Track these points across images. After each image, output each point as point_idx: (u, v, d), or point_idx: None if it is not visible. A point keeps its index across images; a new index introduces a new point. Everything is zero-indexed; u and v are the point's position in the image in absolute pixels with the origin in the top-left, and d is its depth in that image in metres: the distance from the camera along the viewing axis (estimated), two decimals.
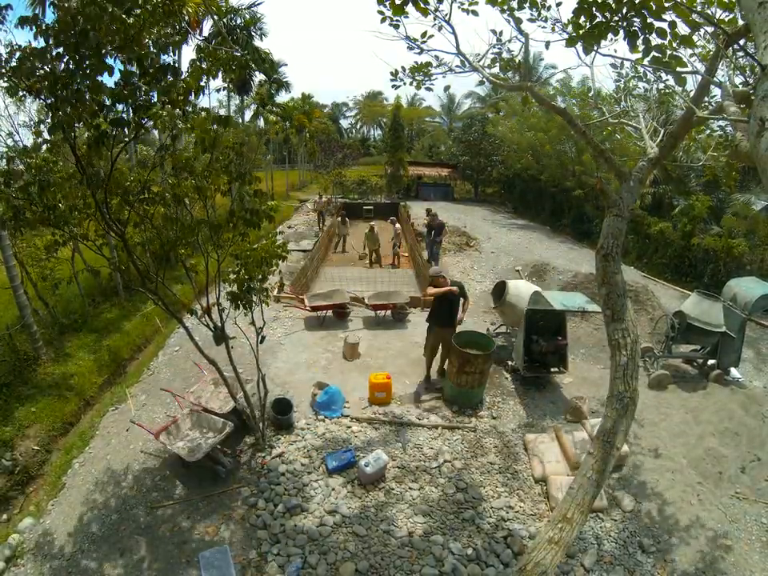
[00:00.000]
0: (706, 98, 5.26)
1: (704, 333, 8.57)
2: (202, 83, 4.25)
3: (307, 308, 10.82)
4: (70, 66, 3.69)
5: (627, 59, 5.03)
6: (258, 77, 29.26)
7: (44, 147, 4.81)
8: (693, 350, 9.44)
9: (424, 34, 4.91)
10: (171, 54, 4.34)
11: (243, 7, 24.16)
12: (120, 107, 4.07)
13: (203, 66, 4.25)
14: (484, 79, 5.32)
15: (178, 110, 4.21)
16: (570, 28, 4.30)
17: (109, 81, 4.01)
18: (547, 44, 4.78)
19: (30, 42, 3.67)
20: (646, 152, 5.07)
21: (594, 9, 3.33)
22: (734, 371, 8.99)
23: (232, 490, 5.91)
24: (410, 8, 4.42)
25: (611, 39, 3.60)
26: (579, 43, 3.81)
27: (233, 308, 5.62)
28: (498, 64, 5.45)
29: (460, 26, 4.81)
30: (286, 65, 40.26)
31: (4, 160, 4.77)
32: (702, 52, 4.82)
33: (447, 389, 7.89)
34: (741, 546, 5.46)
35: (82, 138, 4.45)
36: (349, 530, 5.37)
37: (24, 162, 4.77)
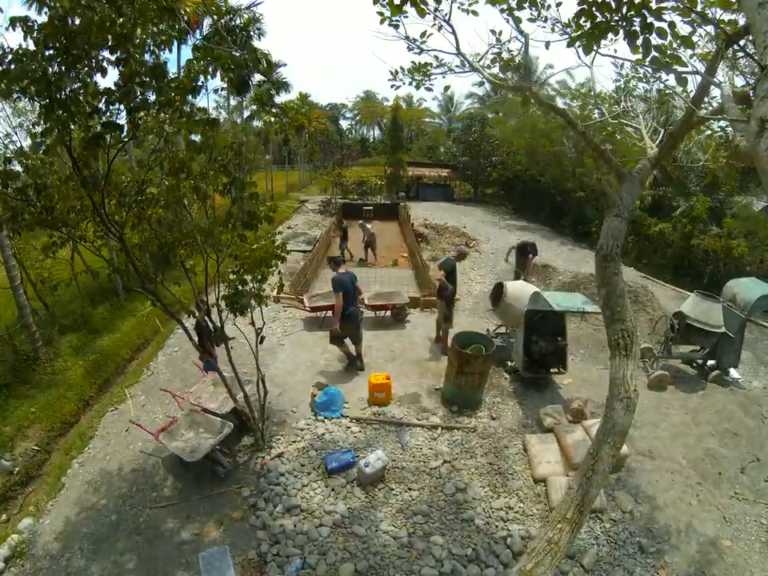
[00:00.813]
0: (706, 99, 5.26)
1: (703, 333, 8.57)
2: (200, 83, 4.23)
3: (307, 308, 10.81)
4: (62, 68, 3.68)
5: (627, 59, 5.03)
6: (257, 77, 29.25)
7: (41, 149, 4.78)
8: (692, 350, 9.43)
9: (423, 34, 4.91)
10: (168, 52, 4.33)
11: (242, 7, 24.16)
12: (114, 108, 4.05)
13: (200, 65, 4.23)
14: (484, 79, 5.32)
15: (172, 110, 4.19)
16: (570, 28, 4.31)
17: (107, 82, 4.01)
18: (547, 44, 4.78)
19: (21, 44, 3.65)
20: (646, 152, 5.07)
21: (593, 9, 3.33)
22: (733, 372, 8.99)
23: (232, 491, 5.91)
24: (409, 8, 4.42)
25: (611, 39, 3.60)
26: (579, 43, 3.81)
27: (229, 311, 5.61)
28: (497, 64, 5.45)
29: (460, 27, 4.80)
30: (285, 65, 40.19)
31: (1, 161, 4.75)
32: (702, 52, 4.82)
33: (447, 389, 7.88)
34: (740, 546, 5.46)
35: (77, 139, 4.43)
36: (348, 531, 5.36)
37: (21, 163, 4.75)
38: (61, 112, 3.78)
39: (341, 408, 7.45)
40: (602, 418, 3.42)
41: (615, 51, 4.41)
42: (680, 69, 3.52)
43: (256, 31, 25.10)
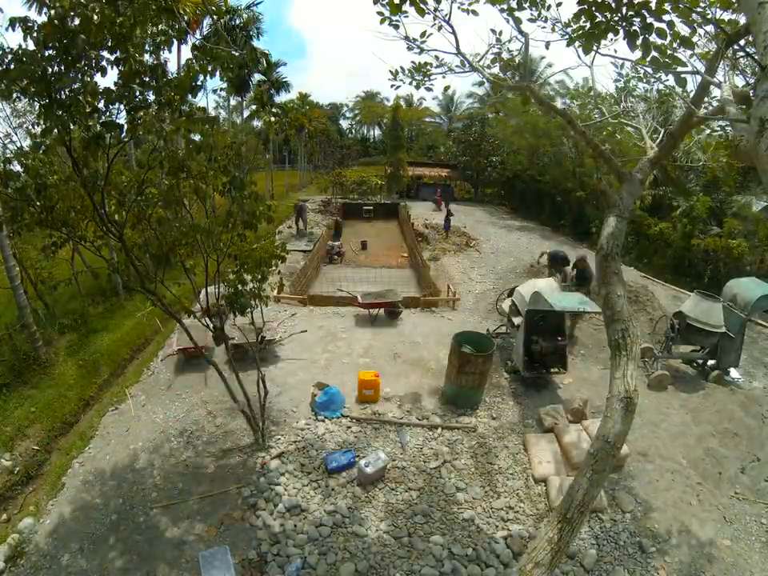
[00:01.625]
0: (706, 98, 5.26)
1: (704, 333, 8.57)
2: (199, 82, 4.23)
3: (360, 305, 11.15)
4: (62, 68, 3.68)
5: (627, 59, 5.03)
6: (257, 77, 29.25)
7: (41, 149, 4.78)
8: (693, 350, 9.43)
9: (423, 34, 4.91)
10: (167, 52, 4.32)
11: (242, 7, 24.17)
12: (113, 108, 4.05)
13: (199, 65, 4.22)
14: (484, 79, 5.32)
15: (172, 110, 4.18)
16: (569, 28, 4.31)
17: (106, 81, 4.01)
18: (547, 44, 4.79)
19: (20, 44, 3.65)
20: (645, 152, 5.07)
21: (593, 9, 3.33)
22: (733, 372, 8.99)
23: (232, 491, 5.91)
24: (409, 9, 4.42)
25: (611, 39, 3.60)
26: (579, 43, 3.81)
27: (229, 311, 5.61)
28: (497, 64, 5.45)
29: (460, 27, 4.80)
30: (285, 64, 40.25)
31: (1, 162, 4.74)
32: (702, 52, 4.82)
33: (447, 389, 7.88)
34: (740, 546, 5.46)
35: (77, 139, 4.43)
36: (349, 531, 5.37)
37: (21, 163, 4.75)
38: (60, 112, 3.78)
39: (341, 408, 7.45)
40: (602, 418, 3.43)
41: (615, 51, 4.41)
42: (680, 69, 3.52)
43: (255, 31, 25.12)
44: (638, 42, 3.30)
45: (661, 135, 5.56)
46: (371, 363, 9.05)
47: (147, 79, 3.92)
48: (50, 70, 3.65)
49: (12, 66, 3.55)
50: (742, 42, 3.75)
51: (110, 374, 9.20)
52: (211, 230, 5.08)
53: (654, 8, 3.07)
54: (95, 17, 3.44)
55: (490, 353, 7.49)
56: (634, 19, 3.29)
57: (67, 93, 3.76)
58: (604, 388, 5.00)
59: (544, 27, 4.76)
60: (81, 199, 5.01)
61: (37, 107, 4.01)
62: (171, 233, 5.14)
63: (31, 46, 3.61)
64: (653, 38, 3.25)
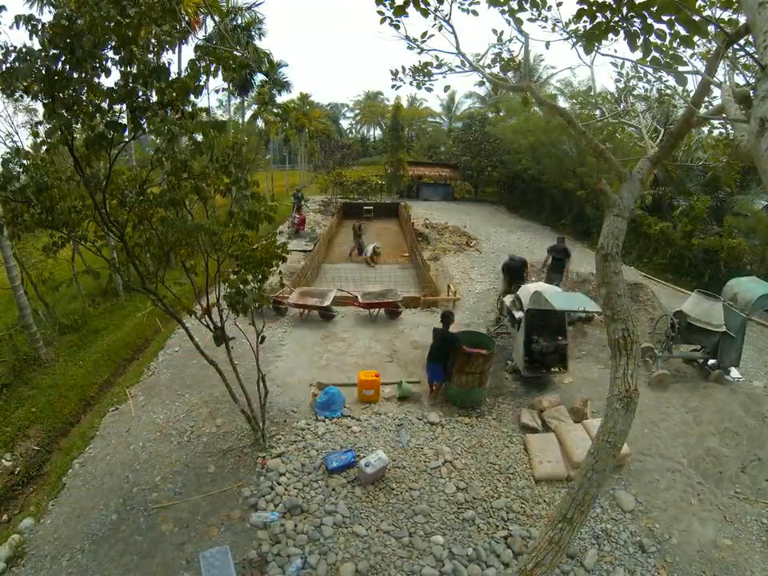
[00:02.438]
0: (706, 98, 5.26)
1: (704, 332, 8.57)
2: (201, 83, 4.23)
3: (360, 305, 11.19)
4: (67, 68, 3.68)
5: (628, 59, 5.03)
6: (259, 77, 29.29)
7: (43, 148, 4.78)
8: (693, 349, 9.42)
9: (424, 34, 4.91)
10: (170, 52, 4.33)
11: (244, 7, 24.19)
12: (117, 108, 4.06)
13: (201, 65, 4.23)
14: (484, 79, 5.32)
15: (173, 110, 4.19)
16: (570, 28, 4.31)
17: (107, 82, 4.01)
18: (547, 44, 4.79)
19: (25, 43, 3.66)
20: (646, 152, 5.06)
21: (594, 8, 3.33)
22: (734, 371, 8.98)
23: (232, 490, 5.91)
24: (410, 8, 4.42)
25: (612, 39, 3.60)
26: (579, 43, 3.81)
27: (230, 311, 5.61)
28: (498, 64, 5.45)
29: (460, 27, 4.80)
30: (287, 65, 40.28)
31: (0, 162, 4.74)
32: (702, 51, 4.82)
33: (448, 388, 7.88)
34: (741, 545, 5.46)
35: (80, 139, 4.43)
36: (349, 531, 5.37)
37: (19, 163, 4.75)
38: (64, 111, 3.78)
39: (341, 407, 7.46)
40: (603, 418, 3.43)
41: (615, 51, 4.41)
42: (680, 68, 3.52)
43: (257, 31, 25.15)
44: (639, 42, 3.30)
45: (661, 135, 5.57)
46: (371, 363, 9.05)
47: (150, 80, 3.92)
48: (54, 69, 3.65)
49: (17, 65, 3.56)
50: (741, 42, 3.74)
51: (110, 374, 9.21)
52: (213, 229, 5.08)
53: (654, 9, 3.07)
54: (101, 17, 3.44)
55: (491, 352, 7.49)
56: (635, 19, 3.28)
57: (71, 92, 3.76)
58: (604, 388, 5.00)
59: (544, 27, 4.76)
60: (82, 199, 5.01)
61: (40, 106, 4.02)
62: (172, 233, 5.14)
63: (36, 45, 3.61)
64: (653, 38, 3.24)
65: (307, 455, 6.49)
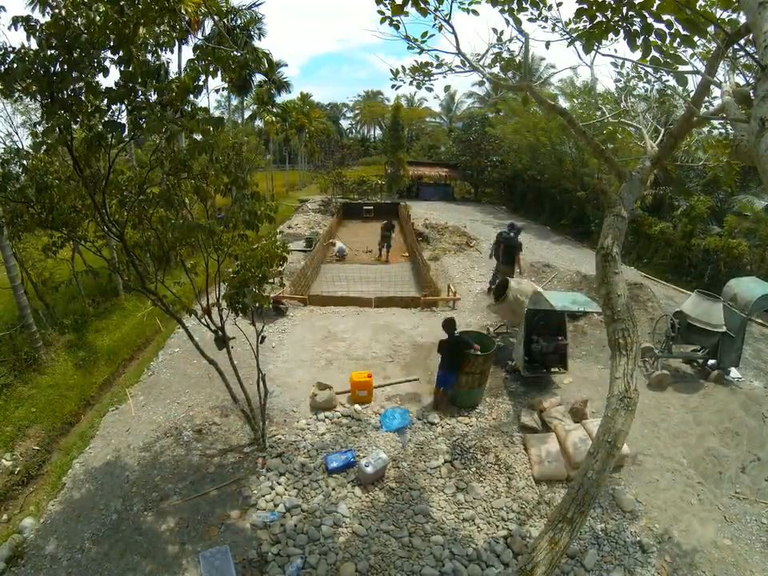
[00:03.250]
0: (707, 98, 5.26)
1: (704, 333, 8.56)
2: (200, 83, 4.23)
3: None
4: (65, 68, 3.68)
5: (628, 59, 5.03)
6: (258, 77, 29.30)
7: (42, 149, 4.77)
8: (693, 349, 9.43)
9: (424, 34, 4.91)
10: (169, 52, 4.33)
11: (243, 7, 24.18)
12: (115, 108, 4.05)
13: (201, 65, 4.23)
14: (484, 79, 5.32)
15: (173, 110, 4.18)
16: (570, 27, 4.31)
17: (106, 82, 4.01)
18: (547, 44, 4.79)
19: (23, 43, 3.66)
20: (646, 152, 5.07)
21: (594, 8, 3.33)
22: (734, 371, 8.98)
23: (232, 490, 5.91)
24: (410, 8, 4.42)
25: (612, 39, 3.60)
26: (578, 42, 3.81)
27: (230, 311, 5.61)
28: (498, 64, 5.45)
29: (460, 26, 4.81)
30: (286, 65, 40.30)
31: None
32: (702, 51, 4.82)
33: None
34: (741, 545, 5.46)
35: (79, 139, 4.43)
36: (349, 530, 5.37)
37: (19, 163, 4.75)
38: (63, 111, 3.78)
39: (407, 419, 7.31)
40: (603, 418, 3.42)
41: (615, 51, 4.41)
42: (680, 68, 3.52)
43: (257, 32, 25.14)
44: (638, 41, 3.30)
45: (661, 135, 5.57)
46: (372, 363, 9.05)
47: (149, 79, 3.92)
48: (53, 69, 3.65)
49: (15, 66, 3.56)
50: (742, 42, 3.74)
51: (110, 374, 9.21)
52: (212, 229, 5.08)
53: (654, 9, 3.07)
54: (98, 17, 3.45)
55: (491, 352, 7.48)
56: (635, 19, 3.29)
57: (69, 92, 3.76)
58: (604, 388, 5.00)
59: (544, 27, 4.76)
60: (82, 198, 5.01)
61: (39, 106, 4.02)
62: (172, 232, 5.14)
63: (34, 46, 3.61)
64: (653, 38, 3.25)
65: (307, 455, 6.49)
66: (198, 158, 4.82)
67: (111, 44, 3.72)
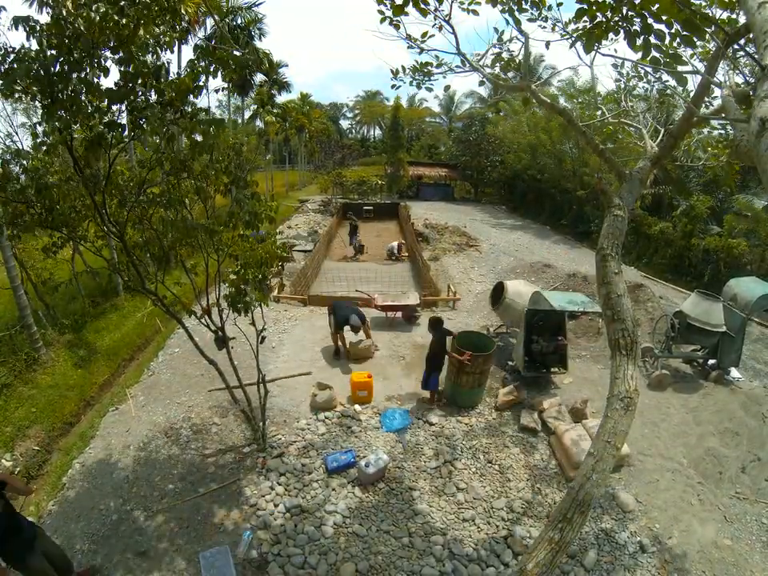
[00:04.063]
0: (707, 98, 5.26)
1: (704, 333, 8.56)
2: (201, 83, 4.23)
3: (377, 307, 10.87)
4: (65, 68, 3.68)
5: (628, 59, 5.04)
6: (259, 77, 29.31)
7: (43, 149, 4.77)
8: (693, 349, 9.43)
9: (424, 34, 4.91)
10: (169, 52, 4.33)
11: (244, 7, 24.18)
12: (115, 108, 4.06)
13: (201, 65, 4.22)
14: (484, 79, 5.33)
15: (173, 110, 4.18)
16: (570, 27, 4.31)
17: (106, 82, 4.01)
18: (547, 44, 4.79)
19: (23, 43, 3.66)
20: (646, 152, 5.07)
21: (594, 8, 3.33)
22: (734, 371, 8.98)
23: (232, 490, 5.91)
24: (410, 8, 4.42)
25: (612, 39, 3.60)
26: (578, 42, 3.81)
27: (231, 311, 5.60)
28: (498, 64, 5.45)
29: (460, 26, 4.81)
30: (287, 65, 40.31)
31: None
32: (702, 51, 4.82)
33: (448, 389, 7.88)
34: (741, 545, 5.46)
35: (79, 139, 4.43)
36: (349, 531, 5.37)
37: (19, 163, 4.75)
38: (63, 112, 3.78)
39: (407, 419, 7.33)
40: (603, 418, 3.42)
41: (615, 51, 4.42)
42: (680, 68, 3.52)
43: (257, 31, 25.15)
44: (638, 41, 3.30)
45: (661, 135, 5.57)
46: (372, 363, 9.05)
47: (149, 80, 3.93)
48: (53, 69, 3.65)
49: (15, 66, 3.56)
50: (742, 42, 3.74)
51: (110, 374, 9.21)
52: (213, 229, 5.08)
53: (653, 9, 3.07)
54: (98, 18, 3.45)
55: (490, 352, 7.48)
56: (635, 19, 3.29)
57: (69, 93, 3.76)
58: (604, 388, 5.00)
59: (544, 27, 4.77)
60: (82, 198, 5.01)
61: (39, 107, 4.02)
62: (172, 232, 5.14)
63: (34, 46, 3.62)
64: (653, 37, 3.25)
65: (307, 455, 6.48)
66: (198, 159, 4.82)
67: (111, 44, 3.72)
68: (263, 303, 5.74)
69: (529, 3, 4.50)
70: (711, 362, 8.98)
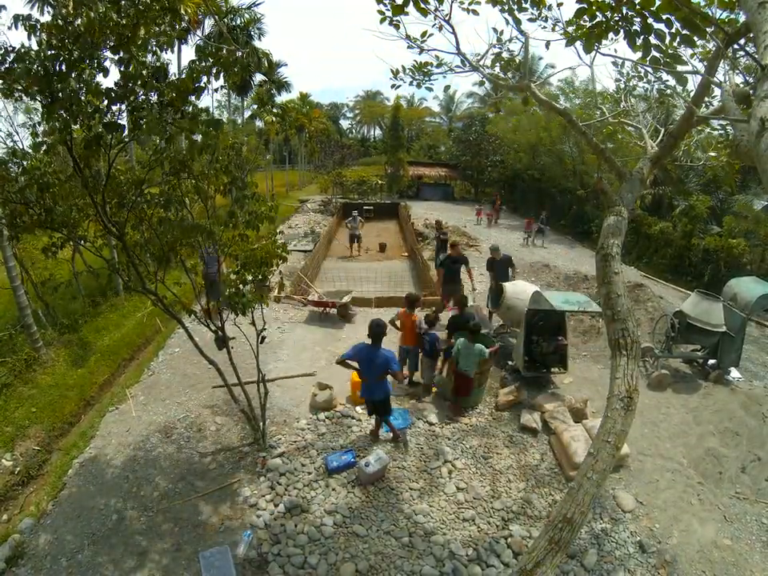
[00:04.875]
0: (706, 98, 5.26)
1: (704, 333, 8.56)
2: (202, 84, 4.23)
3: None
4: (65, 67, 3.68)
5: (628, 59, 5.04)
6: (258, 77, 29.32)
7: (43, 148, 4.78)
8: (693, 349, 9.42)
9: (424, 34, 4.91)
10: (169, 52, 4.35)
11: (243, 7, 24.18)
12: (115, 108, 4.06)
13: (202, 65, 4.22)
14: (484, 79, 5.32)
15: (173, 111, 4.18)
16: (570, 27, 4.31)
17: (108, 81, 4.01)
18: (547, 44, 4.79)
19: (22, 42, 3.66)
20: (646, 152, 5.07)
21: (594, 8, 3.33)
22: (734, 371, 8.98)
23: (232, 490, 5.91)
24: (410, 8, 4.42)
25: (612, 39, 3.60)
26: (579, 42, 3.81)
27: (230, 311, 5.60)
28: (498, 64, 5.45)
29: (460, 26, 4.81)
30: (286, 65, 40.29)
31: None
32: (703, 51, 4.82)
33: (448, 388, 7.88)
34: (741, 545, 5.46)
35: (79, 139, 4.43)
36: (349, 530, 5.37)
37: (18, 163, 4.75)
38: (63, 111, 3.78)
39: (408, 418, 7.34)
40: (603, 418, 3.42)
41: (615, 51, 4.41)
42: (680, 68, 3.52)
43: (257, 32, 25.16)
44: (638, 41, 3.30)
45: (661, 135, 5.57)
46: None
47: (149, 80, 3.92)
48: (53, 69, 3.65)
49: (15, 65, 3.56)
50: (741, 42, 3.74)
51: (110, 374, 9.21)
52: (213, 229, 5.08)
53: (653, 9, 3.07)
54: (98, 17, 3.45)
55: (490, 352, 7.48)
56: (635, 19, 3.29)
57: (69, 92, 3.76)
58: (604, 388, 5.00)
59: (544, 27, 4.76)
60: (83, 197, 5.00)
61: (39, 107, 4.02)
62: (172, 232, 5.14)
63: (34, 45, 3.62)
64: (653, 37, 3.25)
65: (307, 455, 6.48)
66: (198, 159, 4.82)
67: (111, 44, 3.72)
68: (263, 303, 5.74)
69: (529, 3, 4.50)
70: (711, 362, 8.98)
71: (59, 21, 3.52)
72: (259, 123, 35.16)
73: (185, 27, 4.55)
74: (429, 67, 5.28)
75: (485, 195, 35.62)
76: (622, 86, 6.48)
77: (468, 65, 5.14)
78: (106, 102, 3.94)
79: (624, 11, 3.30)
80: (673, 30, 3.22)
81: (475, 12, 4.70)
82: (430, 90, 5.64)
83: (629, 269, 16.09)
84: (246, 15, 24.44)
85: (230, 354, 6.16)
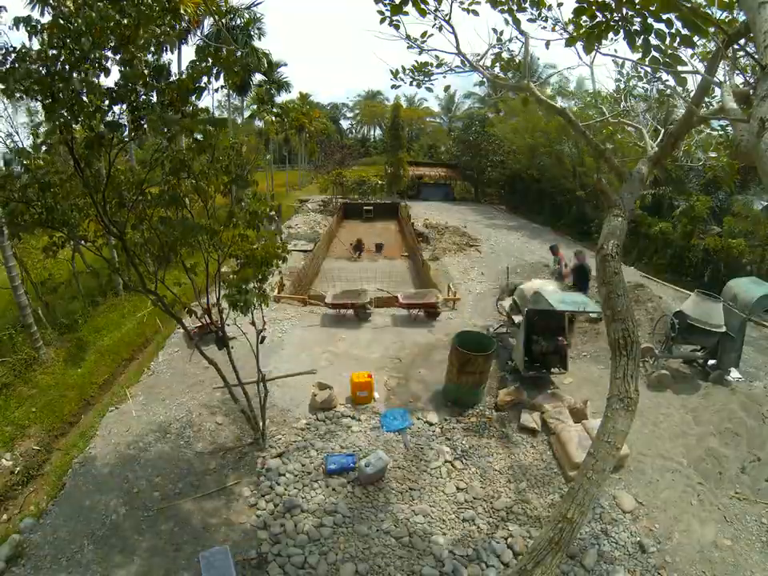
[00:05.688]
0: (706, 98, 5.25)
1: (704, 333, 8.55)
2: (202, 84, 4.23)
3: (402, 305, 11.20)
4: (66, 68, 3.68)
5: (628, 59, 5.03)
6: (258, 77, 29.29)
7: (43, 148, 4.77)
8: (693, 350, 9.42)
9: (424, 34, 4.90)
10: (169, 52, 4.35)
11: (243, 7, 24.17)
12: (116, 108, 4.06)
13: (202, 66, 4.22)
14: (484, 79, 5.32)
15: (174, 110, 4.18)
16: (570, 27, 4.31)
17: (108, 81, 4.01)
18: (547, 44, 4.78)
19: (23, 43, 3.67)
20: (646, 152, 5.06)
21: (594, 8, 3.33)
22: (734, 371, 8.97)
23: (232, 490, 5.91)
24: (410, 8, 4.41)
25: (611, 39, 3.60)
26: (579, 42, 3.81)
27: (231, 311, 5.59)
28: (498, 64, 5.44)
29: (460, 26, 4.80)
30: (286, 65, 40.18)
31: (2, 162, 4.74)
32: (703, 51, 4.82)
33: (448, 388, 7.88)
34: (741, 545, 5.46)
35: (80, 139, 4.43)
36: (349, 530, 5.37)
37: (21, 162, 4.75)
38: (64, 112, 3.79)
39: (408, 419, 7.35)
40: (603, 418, 3.42)
41: (615, 51, 4.41)
42: (680, 68, 3.52)
43: (256, 31, 25.15)
44: (638, 41, 3.30)
45: (661, 135, 5.56)
46: (372, 363, 9.05)
47: (150, 80, 3.93)
48: (54, 69, 3.65)
49: (16, 66, 3.56)
50: (742, 42, 3.74)
51: (110, 374, 9.21)
52: (213, 229, 5.08)
53: (653, 9, 3.07)
54: (98, 18, 3.45)
55: (491, 352, 7.48)
56: (635, 19, 3.28)
57: (70, 93, 3.76)
58: (604, 388, 4.99)
59: (544, 27, 4.76)
60: (84, 197, 5.00)
61: (40, 107, 4.03)
62: (172, 232, 5.14)
63: (35, 46, 3.62)
64: (652, 38, 3.24)
65: (307, 455, 6.48)
66: (198, 158, 4.82)
67: (112, 44, 3.72)
68: (263, 303, 5.73)
69: (528, 3, 4.49)
70: (711, 362, 8.97)
71: (60, 20, 3.51)
72: (259, 123, 35.15)
73: (185, 27, 4.54)
74: (429, 67, 5.27)
75: (485, 195, 35.59)
76: (622, 85, 6.47)
77: (468, 65, 5.14)
78: (107, 102, 3.94)
79: (624, 11, 3.29)
80: (673, 30, 3.22)
81: (475, 12, 4.69)
82: (429, 90, 5.63)
83: (629, 269, 16.07)
84: (246, 15, 24.44)
85: (230, 353, 6.16)
